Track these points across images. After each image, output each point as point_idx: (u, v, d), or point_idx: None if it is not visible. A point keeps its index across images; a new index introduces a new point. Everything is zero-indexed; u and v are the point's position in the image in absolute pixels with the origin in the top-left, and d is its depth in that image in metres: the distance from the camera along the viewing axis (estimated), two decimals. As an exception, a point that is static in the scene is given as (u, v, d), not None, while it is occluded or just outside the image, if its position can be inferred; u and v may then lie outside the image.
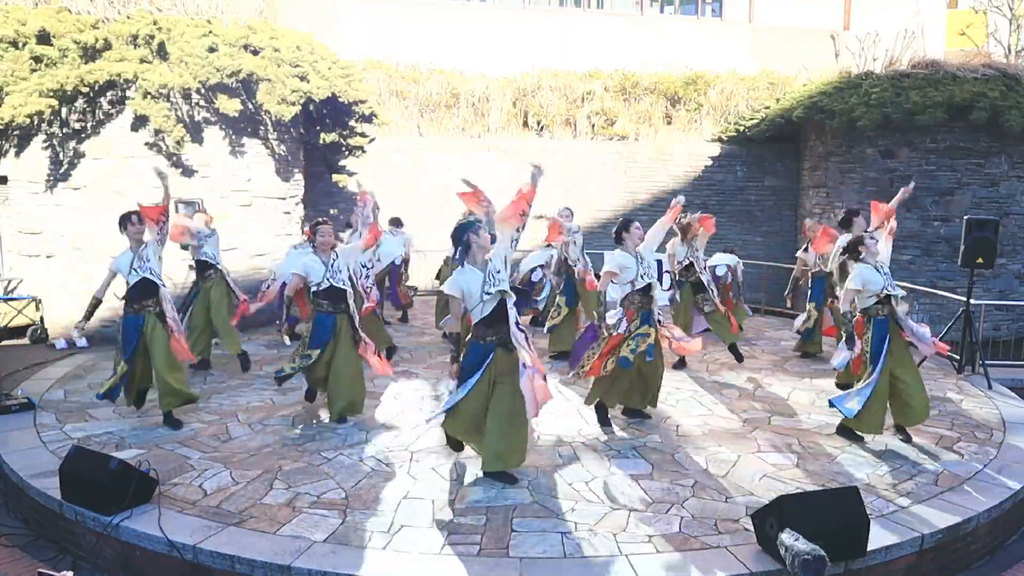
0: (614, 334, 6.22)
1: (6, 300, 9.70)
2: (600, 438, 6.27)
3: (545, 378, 5.26)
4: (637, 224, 6.32)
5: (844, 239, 7.33)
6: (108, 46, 9.18)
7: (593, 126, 14.43)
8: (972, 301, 8.67)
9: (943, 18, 19.70)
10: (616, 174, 13.68)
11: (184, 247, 9.12)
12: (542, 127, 14.43)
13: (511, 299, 5.17)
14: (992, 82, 11.61)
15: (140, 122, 9.36)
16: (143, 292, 6.27)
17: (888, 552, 4.56)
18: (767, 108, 13.75)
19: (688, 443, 6.20)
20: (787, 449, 6.10)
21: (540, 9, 16.76)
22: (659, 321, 6.46)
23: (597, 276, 8.28)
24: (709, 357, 8.84)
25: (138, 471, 4.90)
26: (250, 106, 9.85)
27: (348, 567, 4.27)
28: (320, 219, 6.64)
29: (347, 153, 11.99)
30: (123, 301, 6.34)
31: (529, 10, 16.63)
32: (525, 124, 14.55)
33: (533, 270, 9.72)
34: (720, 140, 14.10)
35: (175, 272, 9.45)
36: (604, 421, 6.49)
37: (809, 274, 8.99)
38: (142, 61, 9.18)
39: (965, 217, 8.77)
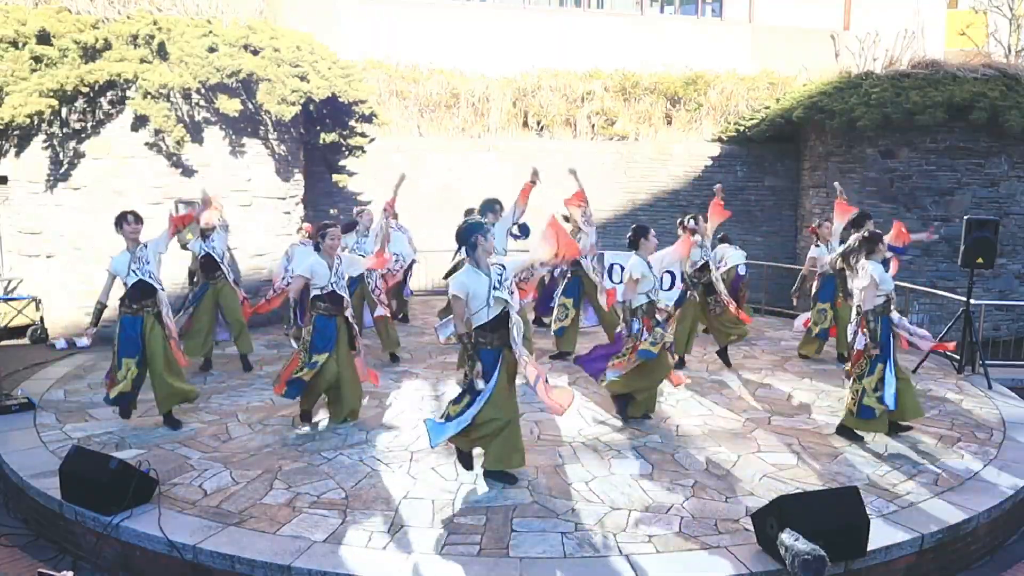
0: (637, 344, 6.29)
1: (6, 300, 9.70)
2: (600, 438, 6.27)
3: (547, 380, 5.24)
4: (654, 232, 6.46)
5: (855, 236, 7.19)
6: (108, 46, 9.18)
7: (593, 126, 14.43)
8: (972, 301, 8.67)
9: (943, 18, 19.69)
10: (616, 174, 13.68)
11: (184, 247, 9.12)
12: (542, 127, 14.43)
13: (514, 308, 5.16)
14: (992, 82, 11.61)
15: (140, 122, 9.36)
16: (141, 293, 6.19)
17: (888, 552, 4.57)
18: (767, 108, 13.74)
19: (688, 443, 6.20)
20: (787, 449, 6.10)
21: (540, 9, 16.76)
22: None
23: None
24: (709, 357, 8.84)
25: (138, 471, 4.91)
26: (250, 106, 9.85)
27: (348, 567, 4.27)
28: (328, 222, 6.57)
29: (347, 153, 11.99)
30: (119, 302, 6.25)
31: (529, 10, 16.62)
32: (525, 124, 14.55)
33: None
34: (720, 140, 14.10)
35: (175, 273, 9.45)
36: (623, 412, 6.55)
37: (817, 274, 8.84)
38: (142, 61, 9.18)
39: (965, 217, 8.77)
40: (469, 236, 5.13)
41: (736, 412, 6.98)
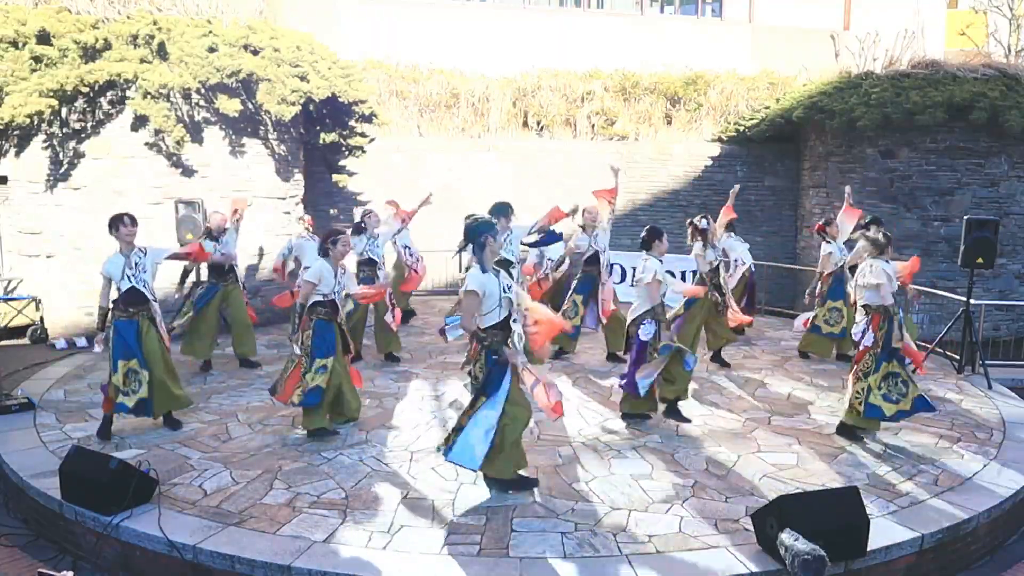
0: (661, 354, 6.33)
1: (6, 300, 9.70)
2: (600, 438, 6.27)
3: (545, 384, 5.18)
4: (665, 235, 6.50)
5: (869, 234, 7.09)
6: (108, 46, 9.18)
7: (593, 126, 14.43)
8: (972, 301, 8.67)
9: (943, 18, 19.69)
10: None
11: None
12: (542, 127, 14.43)
13: (518, 311, 5.14)
14: (992, 82, 11.61)
15: (140, 122, 9.36)
16: (133, 299, 6.03)
17: (888, 552, 4.57)
18: (767, 108, 13.74)
19: (688, 443, 6.20)
20: (787, 449, 6.10)
21: (540, 9, 16.76)
22: None
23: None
24: (709, 356, 8.83)
25: (138, 471, 4.91)
26: (250, 106, 9.85)
27: (348, 567, 4.27)
28: (339, 228, 6.47)
29: (347, 153, 11.99)
30: (112, 304, 6.08)
31: (529, 10, 16.62)
32: (525, 124, 14.54)
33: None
34: (720, 140, 14.09)
35: (176, 274, 9.45)
36: (679, 416, 6.56)
37: (826, 273, 8.72)
38: (142, 61, 9.18)
39: (965, 217, 8.76)
40: (478, 235, 5.00)
41: (736, 412, 6.98)
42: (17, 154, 9.54)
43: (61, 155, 9.39)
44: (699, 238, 8.14)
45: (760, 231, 13.88)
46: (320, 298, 6.07)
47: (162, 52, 9.32)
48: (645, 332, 6.34)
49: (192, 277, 9.15)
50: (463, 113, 14.26)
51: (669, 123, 14.75)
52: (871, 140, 12.04)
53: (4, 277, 10.03)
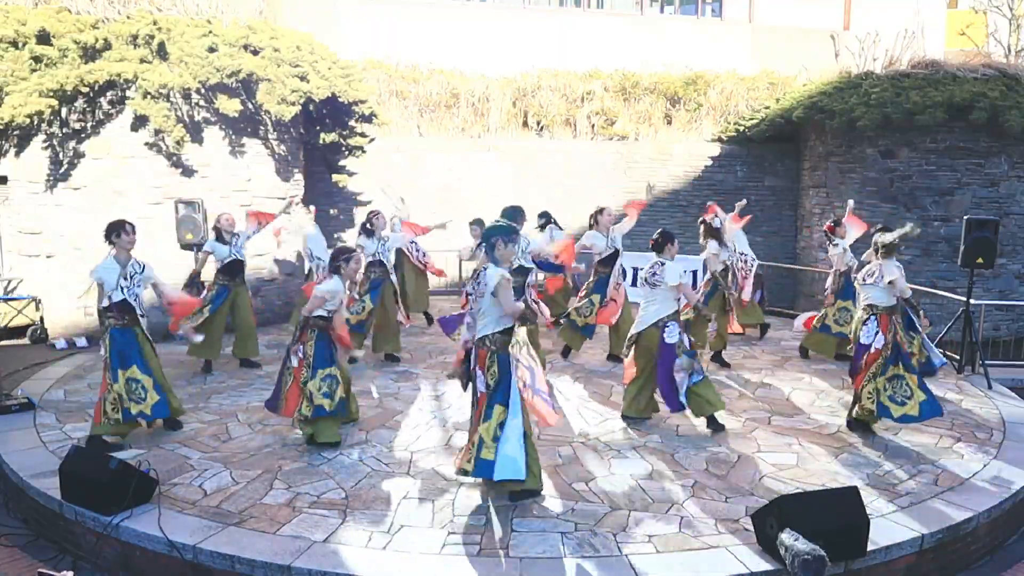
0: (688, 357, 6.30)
1: (6, 300, 9.70)
2: (600, 438, 6.27)
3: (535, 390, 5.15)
4: (676, 238, 6.53)
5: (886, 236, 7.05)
6: (108, 46, 9.18)
7: (593, 126, 14.42)
8: (972, 301, 8.67)
9: (943, 18, 19.68)
10: (616, 174, 13.67)
11: (187, 248, 9.15)
12: (542, 127, 14.42)
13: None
14: (992, 82, 11.60)
15: (140, 122, 9.36)
16: (127, 308, 5.96)
17: (888, 552, 4.57)
18: (767, 108, 13.74)
19: (688, 443, 6.20)
20: (787, 449, 6.10)
21: (540, 9, 16.75)
22: None
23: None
24: (709, 357, 8.84)
25: (138, 471, 4.91)
26: (250, 106, 9.84)
27: (348, 567, 4.27)
28: (350, 247, 6.35)
29: (347, 153, 11.99)
30: (103, 312, 5.95)
31: (529, 10, 16.61)
32: (525, 124, 14.54)
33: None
34: (720, 140, 14.09)
35: (177, 273, 9.45)
36: (717, 426, 6.45)
37: (840, 272, 8.72)
38: (142, 61, 9.18)
39: (965, 217, 8.76)
40: (492, 235, 4.99)
41: (736, 412, 6.98)
42: (17, 154, 9.54)
43: (61, 155, 9.39)
44: (712, 237, 8.24)
45: (760, 231, 13.87)
46: (324, 313, 6.00)
47: (162, 52, 9.32)
48: (670, 334, 6.27)
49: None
50: (463, 113, 14.26)
51: (669, 123, 14.74)
52: (871, 140, 12.04)
53: (4, 277, 10.03)
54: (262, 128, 10.21)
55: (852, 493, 4.54)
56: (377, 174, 12.69)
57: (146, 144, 9.46)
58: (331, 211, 12.67)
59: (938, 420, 6.73)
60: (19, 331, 9.71)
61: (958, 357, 8.60)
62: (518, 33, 15.86)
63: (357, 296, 8.20)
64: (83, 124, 9.35)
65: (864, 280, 6.49)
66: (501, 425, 4.89)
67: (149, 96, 9.11)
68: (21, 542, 5.16)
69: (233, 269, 8.04)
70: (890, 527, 4.76)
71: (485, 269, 4.98)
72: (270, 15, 11.29)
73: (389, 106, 13.75)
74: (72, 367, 8.41)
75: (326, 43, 10.93)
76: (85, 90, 9.03)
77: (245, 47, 9.70)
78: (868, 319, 6.38)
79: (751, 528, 4.59)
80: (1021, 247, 12.05)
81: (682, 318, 7.69)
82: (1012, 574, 5.06)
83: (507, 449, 4.83)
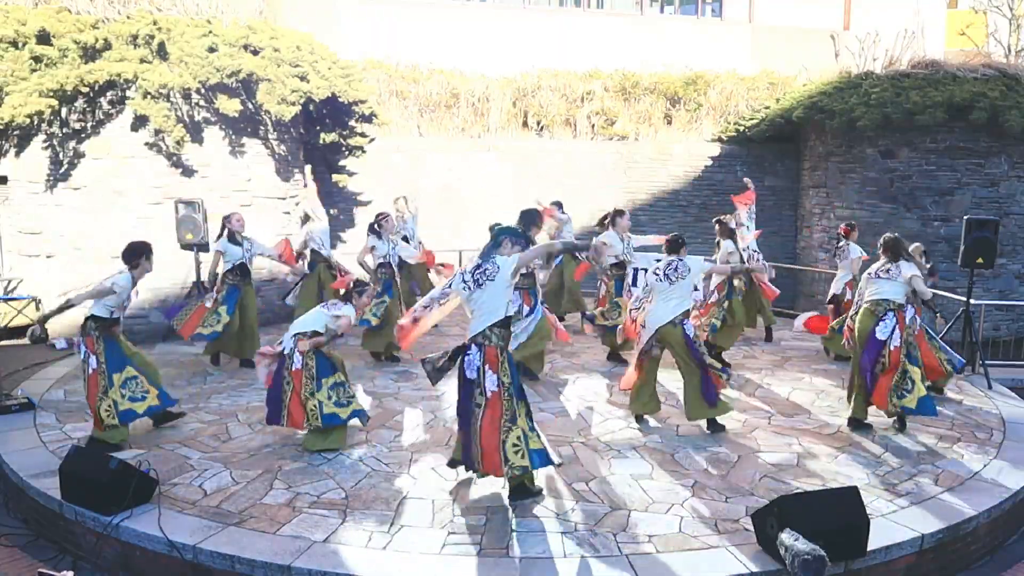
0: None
1: (6, 300, 9.70)
2: (600, 438, 6.27)
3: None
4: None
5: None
6: (108, 46, 9.18)
7: (593, 126, 14.42)
8: (972, 301, 8.68)
9: (943, 18, 19.68)
10: (616, 174, 13.68)
11: (188, 247, 9.16)
12: (542, 127, 14.42)
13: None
14: (992, 82, 11.61)
15: (140, 122, 9.36)
16: (115, 323, 6.14)
17: (888, 552, 4.57)
18: (767, 108, 13.74)
19: (688, 443, 6.20)
20: (787, 449, 6.10)
21: (540, 9, 16.75)
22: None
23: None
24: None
25: (138, 471, 4.91)
26: (250, 106, 9.84)
27: (348, 567, 4.27)
28: (366, 281, 6.56)
29: (347, 153, 11.99)
30: (92, 321, 6.08)
31: (529, 10, 16.61)
32: (525, 124, 14.53)
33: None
34: (720, 140, 14.09)
35: (177, 273, 9.46)
36: (717, 426, 6.50)
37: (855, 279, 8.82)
38: (142, 61, 9.18)
39: (965, 217, 8.77)
40: (500, 235, 5.07)
41: (736, 412, 6.97)
42: (17, 154, 9.54)
43: (61, 155, 9.38)
44: (728, 236, 8.36)
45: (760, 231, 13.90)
46: (321, 329, 6.03)
47: (162, 52, 9.32)
48: (690, 328, 6.41)
49: (193, 277, 9.18)
50: (463, 113, 14.26)
51: (669, 123, 14.74)
52: (871, 140, 12.04)
53: (4, 277, 10.03)
54: (262, 128, 10.21)
55: (852, 493, 4.54)
56: (377, 174, 12.70)
57: (146, 144, 9.45)
58: (331, 211, 12.66)
59: (938, 420, 6.75)
60: (19, 331, 9.70)
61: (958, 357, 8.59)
62: (518, 33, 15.86)
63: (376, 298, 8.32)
64: (83, 124, 9.34)
65: (878, 275, 6.45)
66: (529, 416, 5.03)
67: (149, 96, 9.11)
68: (21, 542, 5.16)
69: (244, 270, 8.12)
70: (890, 527, 4.76)
71: (484, 265, 4.92)
72: (270, 15, 11.28)
73: (389, 106, 13.75)
74: (72, 367, 8.40)
75: (326, 43, 10.93)
76: (85, 90, 9.02)
77: (245, 47, 9.70)
78: (885, 314, 6.33)
79: (751, 528, 4.59)
80: (1021, 247, 12.06)
81: (712, 320, 8.15)
82: (1012, 574, 5.06)
83: (534, 441, 4.99)
